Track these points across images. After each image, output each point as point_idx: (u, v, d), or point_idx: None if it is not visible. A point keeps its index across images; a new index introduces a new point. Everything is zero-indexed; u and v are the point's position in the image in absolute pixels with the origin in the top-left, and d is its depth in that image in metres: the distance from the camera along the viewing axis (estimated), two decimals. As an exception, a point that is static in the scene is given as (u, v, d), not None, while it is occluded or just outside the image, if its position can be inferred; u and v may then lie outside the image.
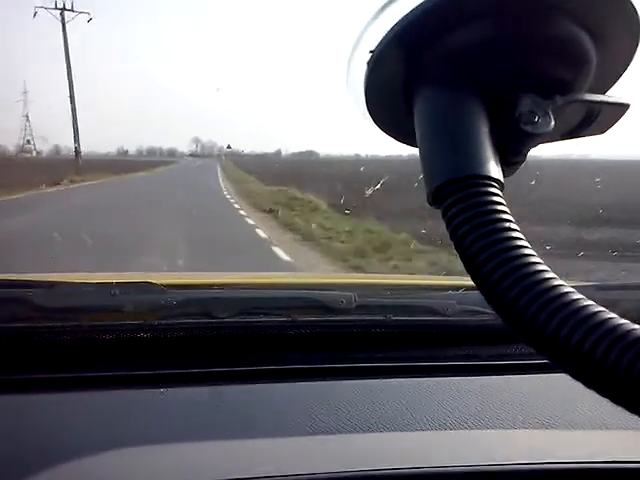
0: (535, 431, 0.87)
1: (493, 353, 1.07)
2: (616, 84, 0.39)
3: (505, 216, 0.33)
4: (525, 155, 0.38)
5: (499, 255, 0.32)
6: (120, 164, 43.53)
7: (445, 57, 0.36)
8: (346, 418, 0.91)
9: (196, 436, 0.82)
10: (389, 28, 0.36)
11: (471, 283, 0.34)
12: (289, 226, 10.28)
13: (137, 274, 1.21)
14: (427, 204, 0.36)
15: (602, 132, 0.41)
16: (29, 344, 0.96)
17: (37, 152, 69.70)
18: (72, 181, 22.77)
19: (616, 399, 0.30)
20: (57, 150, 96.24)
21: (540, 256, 0.33)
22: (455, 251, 0.34)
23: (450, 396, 1.02)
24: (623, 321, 0.30)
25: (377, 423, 0.89)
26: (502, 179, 0.35)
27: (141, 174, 35.85)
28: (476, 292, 0.34)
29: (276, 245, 8.24)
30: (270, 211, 12.27)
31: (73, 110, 31.88)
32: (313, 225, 10.06)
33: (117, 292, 1.02)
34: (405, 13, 0.35)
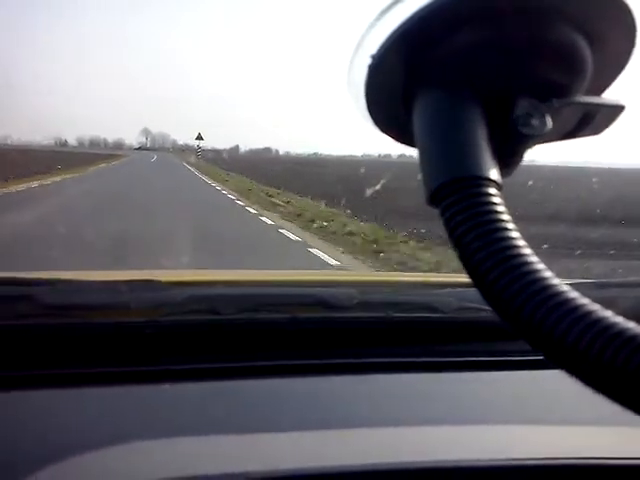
0: (532, 427, 0.88)
1: (491, 349, 1.07)
2: (612, 86, 0.40)
3: (503, 216, 0.34)
4: (522, 156, 0.38)
5: (496, 254, 0.33)
6: (42, 158, 32.17)
7: (444, 60, 0.37)
8: (347, 413, 0.92)
9: (199, 431, 0.83)
10: (389, 32, 0.36)
11: (469, 280, 0.34)
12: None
13: (141, 272, 1.22)
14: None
15: (597, 133, 0.41)
16: (33, 341, 0.96)
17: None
18: None
19: (612, 396, 0.31)
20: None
21: (538, 255, 0.34)
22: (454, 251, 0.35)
23: (449, 392, 1.03)
24: (618, 319, 0.31)
25: (377, 418, 0.90)
26: (500, 180, 0.36)
27: (61, 178, 20.97)
28: (474, 289, 0.34)
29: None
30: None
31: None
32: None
33: (121, 289, 1.03)
34: (405, 17, 0.36)
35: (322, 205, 13.51)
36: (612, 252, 7.48)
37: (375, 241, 9.08)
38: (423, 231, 8.73)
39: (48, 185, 18.40)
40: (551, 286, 0.32)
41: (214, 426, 0.86)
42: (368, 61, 0.37)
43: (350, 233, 9.80)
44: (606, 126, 0.41)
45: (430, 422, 0.90)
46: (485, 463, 0.76)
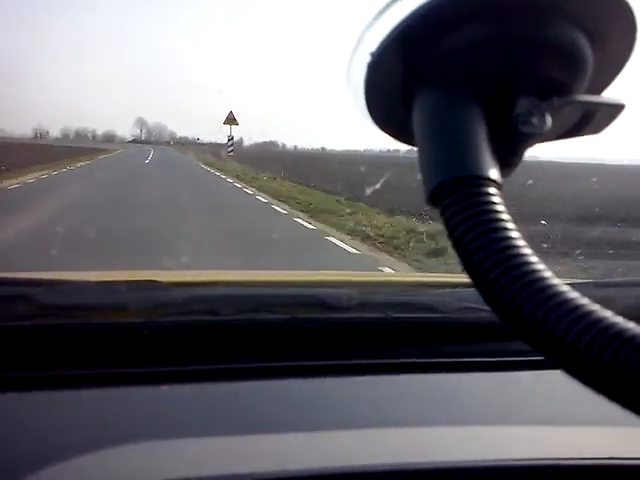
0: (532, 427, 0.88)
1: (491, 350, 1.07)
2: (612, 84, 0.40)
3: (503, 216, 0.34)
4: (522, 155, 0.38)
5: (496, 254, 0.33)
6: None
7: (443, 58, 0.37)
8: (346, 414, 0.92)
9: (199, 432, 0.83)
10: (389, 30, 0.36)
11: (469, 281, 0.34)
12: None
13: (141, 272, 1.22)
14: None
15: (598, 132, 0.41)
16: (32, 342, 0.96)
17: None
18: None
19: (611, 396, 0.31)
20: None
21: (538, 255, 0.34)
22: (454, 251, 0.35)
23: (448, 392, 1.03)
24: (618, 319, 0.31)
25: (377, 419, 0.89)
26: (500, 179, 0.36)
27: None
28: (474, 289, 0.34)
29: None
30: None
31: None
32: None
33: (121, 290, 1.03)
34: (404, 15, 0.36)
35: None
36: (611, 251, 7.49)
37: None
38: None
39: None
40: (551, 286, 0.32)
41: (213, 427, 0.86)
42: (367, 59, 0.37)
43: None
44: (606, 125, 0.41)
45: (430, 423, 0.89)
46: (485, 464, 0.76)
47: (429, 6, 0.35)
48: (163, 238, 7.31)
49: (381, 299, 1.16)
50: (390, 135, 0.41)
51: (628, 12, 0.36)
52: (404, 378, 1.04)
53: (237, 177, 21.47)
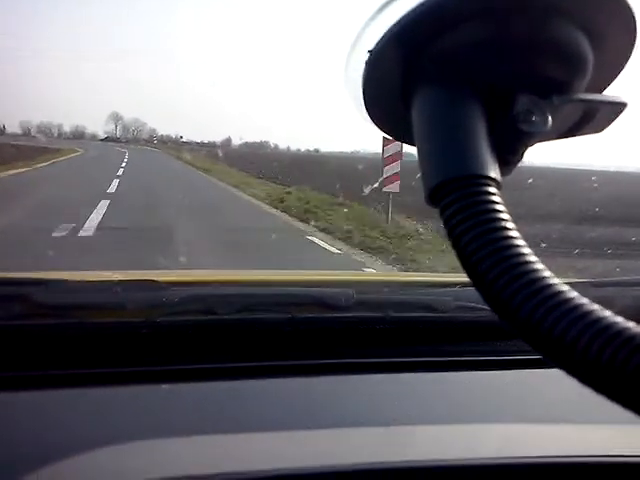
0: (530, 426, 0.88)
1: (489, 349, 1.08)
2: (613, 83, 0.40)
3: (502, 215, 0.34)
4: (522, 154, 0.38)
5: (495, 254, 0.33)
6: None
7: (443, 57, 0.37)
8: (345, 413, 0.91)
9: (197, 431, 0.82)
10: (387, 28, 0.36)
11: (468, 280, 0.34)
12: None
13: (139, 272, 1.22)
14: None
15: (599, 131, 0.41)
16: (29, 342, 0.96)
17: None
18: None
19: (610, 395, 0.31)
20: None
21: (537, 254, 0.33)
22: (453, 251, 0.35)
23: (447, 391, 1.03)
24: (617, 318, 0.31)
25: (375, 418, 0.89)
26: (500, 178, 0.35)
27: None
28: (472, 289, 0.34)
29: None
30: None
31: None
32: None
33: (119, 289, 1.03)
34: (403, 13, 0.36)
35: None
36: (609, 251, 7.51)
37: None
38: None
39: None
40: (550, 285, 0.32)
41: (211, 426, 0.85)
42: (366, 56, 0.37)
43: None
44: (608, 124, 0.40)
45: (429, 421, 0.89)
46: (484, 462, 0.76)
47: (429, 4, 0.35)
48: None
49: (379, 298, 1.16)
50: (389, 134, 0.41)
51: (628, 11, 0.36)
52: (402, 377, 1.04)
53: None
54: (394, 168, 9.93)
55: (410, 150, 0.39)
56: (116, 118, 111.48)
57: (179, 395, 0.95)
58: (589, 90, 0.38)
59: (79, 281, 1.08)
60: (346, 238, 8.94)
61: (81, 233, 8.02)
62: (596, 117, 0.39)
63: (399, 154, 9.73)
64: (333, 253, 8.01)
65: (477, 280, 0.33)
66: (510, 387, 1.06)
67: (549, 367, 0.33)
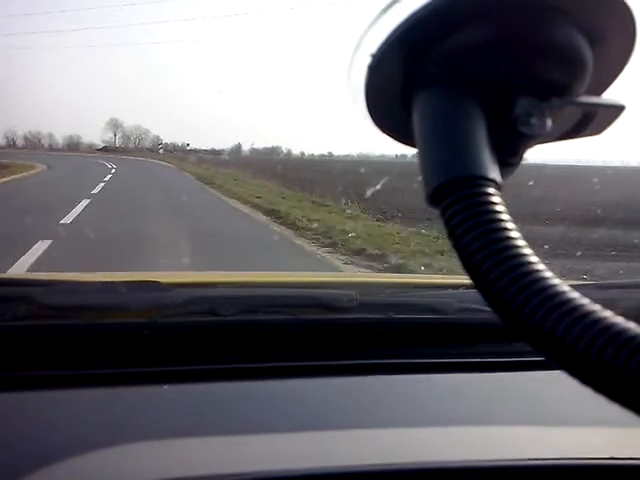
0: (533, 428, 0.88)
1: (492, 350, 1.07)
2: (612, 86, 0.40)
3: (503, 216, 0.34)
4: (522, 156, 0.38)
5: (496, 254, 0.33)
6: None
7: (443, 60, 0.37)
8: (348, 415, 0.92)
9: (199, 432, 0.83)
10: (389, 32, 0.36)
11: (470, 282, 0.34)
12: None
13: (140, 273, 1.22)
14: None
15: (598, 133, 0.41)
16: (32, 342, 0.96)
17: None
18: None
19: (612, 396, 0.31)
20: None
21: (538, 255, 0.34)
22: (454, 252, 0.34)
23: (450, 393, 1.03)
24: (618, 319, 0.31)
25: (378, 420, 0.90)
26: (500, 180, 0.36)
27: None
28: (474, 291, 0.34)
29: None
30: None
31: None
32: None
33: (122, 290, 1.03)
34: (404, 17, 0.36)
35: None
36: (613, 253, 7.49)
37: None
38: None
39: None
40: (551, 286, 0.32)
41: (213, 427, 0.86)
42: (368, 61, 0.37)
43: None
44: (606, 126, 0.41)
45: (431, 423, 0.90)
46: (486, 464, 0.76)
47: (429, 8, 0.35)
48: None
49: (382, 300, 1.16)
50: (390, 137, 0.41)
51: (628, 13, 0.36)
52: (405, 379, 1.05)
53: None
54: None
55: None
56: (115, 125, 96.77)
57: (181, 396, 0.96)
58: (588, 92, 0.38)
59: (82, 282, 1.09)
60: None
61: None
62: (595, 120, 0.40)
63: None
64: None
65: (478, 281, 0.34)
66: (513, 389, 1.06)
67: (552, 369, 0.33)
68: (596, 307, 0.31)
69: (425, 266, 6.68)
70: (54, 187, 18.27)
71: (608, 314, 0.31)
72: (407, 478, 0.75)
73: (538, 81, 0.37)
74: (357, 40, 0.37)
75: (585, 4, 0.36)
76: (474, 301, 1.05)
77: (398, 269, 6.83)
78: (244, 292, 1.17)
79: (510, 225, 0.34)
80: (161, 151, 46.95)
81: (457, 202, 0.34)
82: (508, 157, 0.37)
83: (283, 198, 14.94)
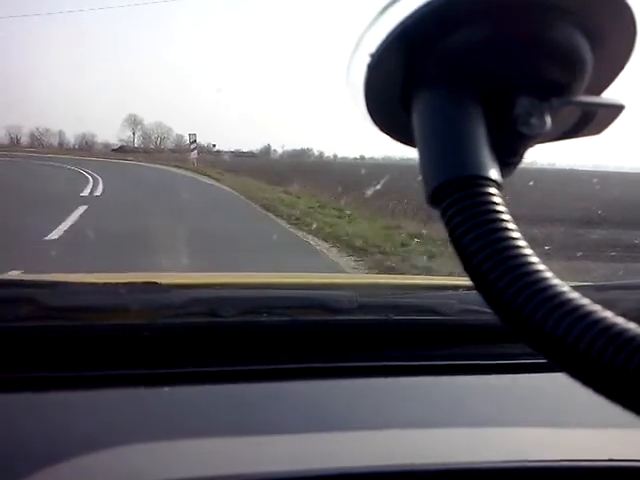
0: (534, 430, 0.88)
1: (493, 352, 1.07)
2: (612, 85, 0.40)
3: (503, 216, 0.34)
4: (522, 156, 0.38)
5: (496, 255, 0.33)
6: None
7: (443, 59, 0.37)
8: (348, 416, 0.92)
9: (199, 434, 0.83)
10: (388, 31, 0.36)
11: (471, 283, 0.34)
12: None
13: (141, 274, 1.22)
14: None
15: (597, 133, 0.41)
16: (34, 344, 0.96)
17: None
18: None
19: (612, 397, 0.31)
20: None
21: (538, 255, 0.33)
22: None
23: (450, 395, 1.03)
24: (619, 319, 0.31)
25: (378, 421, 0.89)
26: (500, 180, 0.36)
27: None
28: (476, 292, 0.34)
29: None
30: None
31: None
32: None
33: (122, 292, 1.03)
34: (404, 16, 0.36)
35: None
36: (613, 254, 7.49)
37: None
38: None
39: None
40: (551, 287, 0.32)
41: (213, 429, 0.86)
42: (367, 60, 0.37)
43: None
44: (606, 126, 0.41)
45: (431, 425, 0.89)
46: (486, 466, 0.76)
47: (429, 7, 0.35)
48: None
49: (383, 301, 1.16)
50: (390, 136, 0.41)
51: (628, 13, 0.36)
52: (406, 380, 1.04)
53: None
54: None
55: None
56: (134, 122, 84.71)
57: (181, 398, 0.96)
58: (588, 92, 0.38)
59: (83, 283, 1.09)
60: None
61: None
62: (595, 119, 0.40)
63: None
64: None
65: (478, 282, 0.33)
66: (514, 391, 1.06)
67: (553, 371, 0.33)
68: (596, 307, 0.31)
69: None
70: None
71: (609, 314, 0.31)
72: None
73: (538, 81, 0.37)
74: (357, 39, 0.37)
75: (585, 3, 0.36)
76: (475, 302, 1.05)
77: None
78: (244, 293, 1.17)
79: (510, 225, 0.34)
80: (194, 155, 29.60)
81: (457, 202, 0.34)
82: (508, 157, 0.37)
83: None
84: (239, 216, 12.41)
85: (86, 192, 15.87)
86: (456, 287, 1.19)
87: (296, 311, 1.07)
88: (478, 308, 1.05)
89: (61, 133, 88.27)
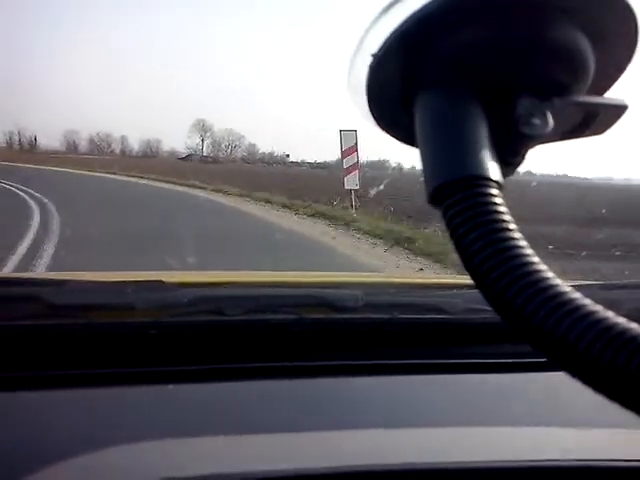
0: (537, 429, 0.88)
1: (499, 351, 1.07)
2: (615, 85, 0.40)
3: (504, 216, 0.34)
4: (523, 156, 0.38)
5: (497, 255, 0.33)
6: None
7: (444, 60, 0.37)
8: (353, 415, 0.92)
9: (204, 432, 0.83)
10: (390, 31, 0.36)
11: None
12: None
13: (147, 273, 1.22)
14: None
15: (600, 133, 0.41)
16: (40, 342, 0.97)
17: None
18: None
19: (612, 396, 0.31)
20: None
21: (539, 255, 0.34)
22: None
23: (455, 393, 1.03)
24: (620, 319, 0.31)
25: (383, 420, 0.90)
26: (501, 180, 0.36)
27: None
28: None
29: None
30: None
31: None
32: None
33: (128, 290, 1.03)
34: (405, 17, 0.36)
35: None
36: (618, 253, 7.45)
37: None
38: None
39: None
40: (552, 286, 0.32)
41: (218, 427, 0.86)
42: (369, 60, 0.37)
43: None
44: (609, 126, 0.41)
45: (436, 424, 0.90)
46: (490, 465, 0.76)
47: (430, 7, 0.35)
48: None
49: (388, 300, 1.16)
50: (392, 136, 0.41)
51: (630, 13, 0.36)
52: (411, 379, 1.05)
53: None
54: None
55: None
56: (203, 128, 78.61)
57: (186, 396, 0.96)
58: (590, 92, 0.38)
59: (89, 282, 1.09)
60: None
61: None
62: (597, 119, 0.39)
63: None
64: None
65: (480, 281, 0.34)
66: (519, 389, 1.06)
67: (554, 371, 0.33)
68: (597, 307, 0.31)
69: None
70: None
71: (609, 314, 0.31)
72: (408, 479, 0.75)
73: (540, 81, 0.37)
74: (358, 39, 0.38)
75: (587, 4, 0.36)
76: (480, 301, 1.04)
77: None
78: (250, 292, 1.17)
79: (511, 225, 0.34)
80: (353, 178, 12.48)
81: (458, 203, 0.34)
82: (509, 157, 0.37)
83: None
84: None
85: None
86: (461, 286, 1.18)
87: (301, 309, 1.07)
88: (483, 307, 1.04)
89: (124, 138, 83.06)
